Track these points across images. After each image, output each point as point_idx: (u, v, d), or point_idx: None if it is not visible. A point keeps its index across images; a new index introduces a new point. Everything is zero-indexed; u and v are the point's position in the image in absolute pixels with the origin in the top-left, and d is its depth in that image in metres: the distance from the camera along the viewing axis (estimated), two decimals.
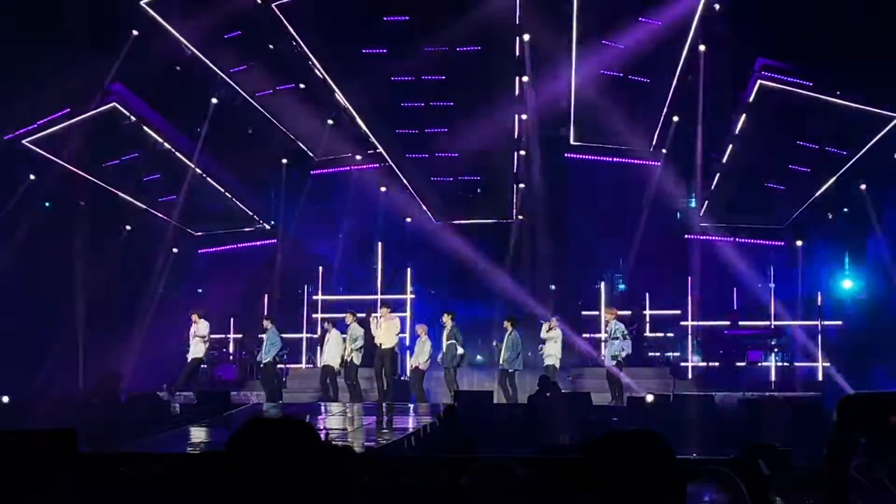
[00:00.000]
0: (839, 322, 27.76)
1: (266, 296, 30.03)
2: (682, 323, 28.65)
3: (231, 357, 29.69)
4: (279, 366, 26.39)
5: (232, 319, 29.56)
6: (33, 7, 23.31)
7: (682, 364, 28.02)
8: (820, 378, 26.65)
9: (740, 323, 27.54)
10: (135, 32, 26.11)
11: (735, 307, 28.36)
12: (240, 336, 29.78)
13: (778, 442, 11.47)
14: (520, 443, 16.57)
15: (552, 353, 24.13)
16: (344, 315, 25.97)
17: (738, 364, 26.61)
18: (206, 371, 28.05)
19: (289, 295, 30.49)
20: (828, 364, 26.89)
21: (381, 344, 24.46)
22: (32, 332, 26.50)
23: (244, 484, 2.93)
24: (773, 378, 26.92)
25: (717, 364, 26.65)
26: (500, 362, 24.11)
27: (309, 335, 29.65)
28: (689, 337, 28.50)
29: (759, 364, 27.43)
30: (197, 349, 25.24)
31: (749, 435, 14.93)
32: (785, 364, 27.01)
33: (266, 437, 3.01)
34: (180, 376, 25.21)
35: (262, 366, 25.47)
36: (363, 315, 26.52)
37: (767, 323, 28.07)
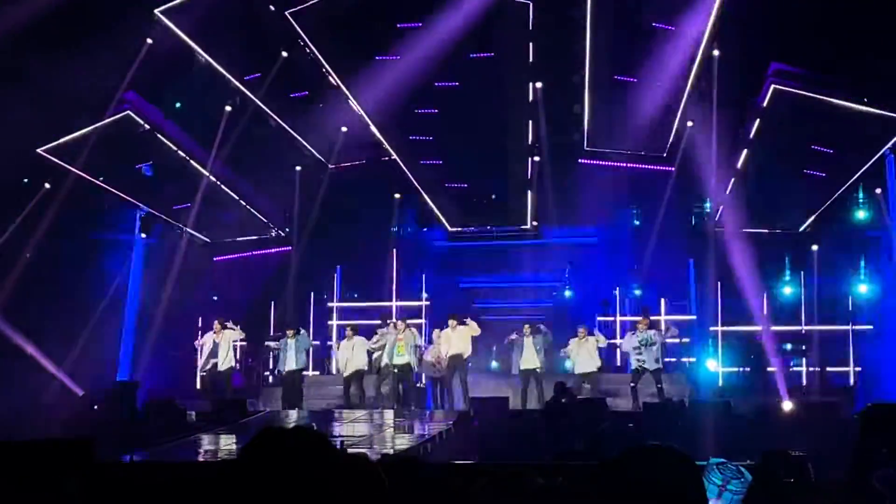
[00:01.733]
0: (870, 326, 27.65)
1: (272, 303, 30.08)
2: (713, 328, 28.53)
3: (238, 364, 29.44)
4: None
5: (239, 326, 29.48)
6: (47, 16, 23.36)
7: (713, 370, 27.97)
8: (851, 383, 26.47)
9: (772, 328, 27.39)
10: (149, 41, 26.21)
11: (765, 312, 28.23)
12: (244, 343, 29.72)
13: (796, 449, 11.42)
14: (536, 449, 16.55)
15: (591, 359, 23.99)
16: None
17: (770, 369, 26.48)
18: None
19: (303, 302, 30.53)
20: (860, 368, 26.71)
21: (453, 352, 24.18)
22: (47, 338, 26.57)
23: (257, 494, 2.92)
24: (804, 383, 26.77)
25: (748, 369, 26.46)
26: (531, 366, 23.83)
27: (317, 342, 29.58)
28: (719, 342, 28.38)
29: (791, 369, 27.30)
30: (229, 358, 25.14)
31: (767, 441, 14.86)
32: (816, 369, 26.82)
33: (278, 448, 3.00)
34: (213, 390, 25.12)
35: (284, 373, 25.17)
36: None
37: (799, 328, 27.92)
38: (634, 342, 23.50)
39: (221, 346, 24.91)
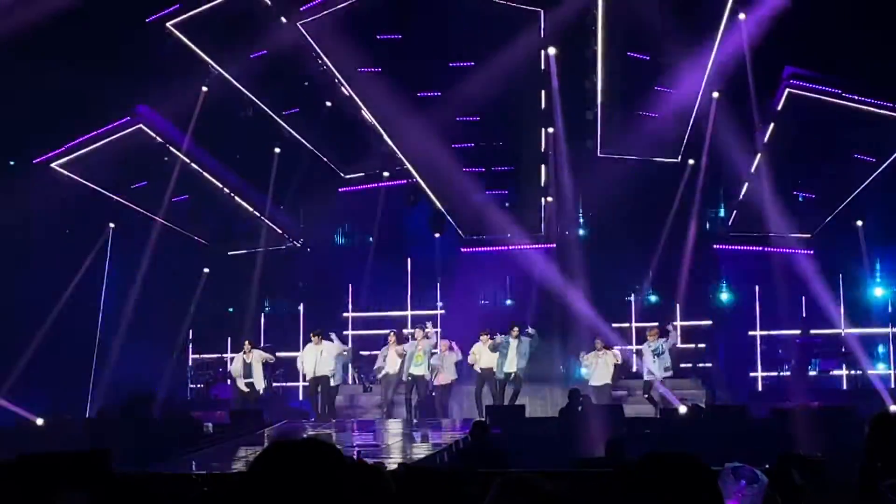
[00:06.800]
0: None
1: (262, 314, 30.15)
2: (751, 333, 28.36)
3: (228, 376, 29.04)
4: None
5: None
6: (59, 30, 23.43)
7: (752, 374, 27.82)
8: (893, 385, 26.21)
9: (812, 332, 27.20)
10: (161, 54, 26.28)
11: (803, 315, 28.05)
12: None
13: (814, 451, 11.38)
14: (552, 456, 16.51)
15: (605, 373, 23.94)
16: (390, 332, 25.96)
17: (811, 373, 26.28)
18: (201, 391, 28.12)
19: (319, 312, 30.53)
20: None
21: (483, 367, 24.20)
22: (64, 352, 26.60)
23: None
24: (844, 387, 26.58)
25: (787, 374, 26.24)
26: (514, 369, 23.87)
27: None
28: (758, 347, 28.26)
29: (831, 373, 27.10)
30: (259, 378, 25.13)
31: (783, 445, 14.80)
32: (858, 372, 26.58)
33: (288, 460, 2.98)
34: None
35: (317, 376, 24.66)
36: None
37: (838, 331, 27.72)
38: (649, 352, 23.65)
39: (254, 367, 24.91)
